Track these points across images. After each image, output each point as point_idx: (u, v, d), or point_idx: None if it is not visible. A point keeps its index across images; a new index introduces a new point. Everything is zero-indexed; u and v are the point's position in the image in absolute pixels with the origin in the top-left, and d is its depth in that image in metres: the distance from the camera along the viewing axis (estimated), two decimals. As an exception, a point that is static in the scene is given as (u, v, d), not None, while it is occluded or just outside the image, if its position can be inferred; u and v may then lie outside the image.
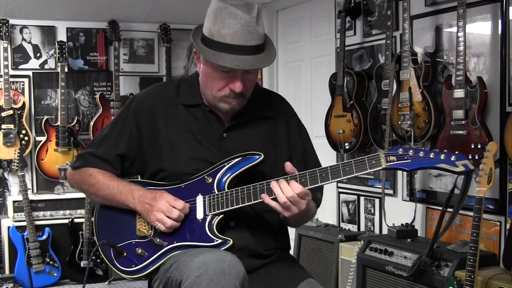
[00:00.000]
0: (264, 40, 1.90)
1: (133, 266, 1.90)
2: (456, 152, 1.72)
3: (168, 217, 1.85)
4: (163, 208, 1.85)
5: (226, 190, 1.87)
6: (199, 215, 1.88)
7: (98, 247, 1.94)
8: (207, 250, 1.80)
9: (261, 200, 1.81)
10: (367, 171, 1.74)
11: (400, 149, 1.73)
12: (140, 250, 1.89)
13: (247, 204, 1.83)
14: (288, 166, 1.82)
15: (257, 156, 1.87)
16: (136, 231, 1.93)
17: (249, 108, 2.01)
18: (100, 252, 1.98)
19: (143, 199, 1.90)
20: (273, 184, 1.78)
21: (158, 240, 1.88)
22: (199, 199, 1.89)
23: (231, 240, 1.83)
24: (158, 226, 1.86)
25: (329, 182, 1.78)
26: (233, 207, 1.84)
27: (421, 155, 1.71)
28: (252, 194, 1.83)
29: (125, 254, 1.92)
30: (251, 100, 2.01)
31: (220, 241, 1.83)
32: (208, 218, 1.87)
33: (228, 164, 1.89)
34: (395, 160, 1.72)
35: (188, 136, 1.96)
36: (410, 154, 1.72)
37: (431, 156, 1.70)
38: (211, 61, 1.85)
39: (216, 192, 1.87)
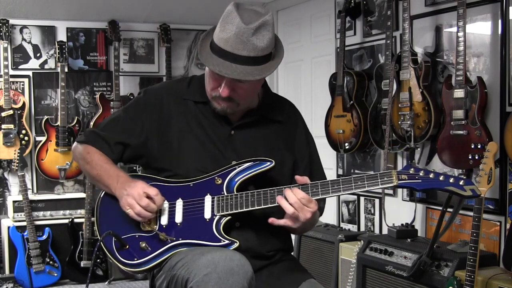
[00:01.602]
0: (265, 54, 1.86)
1: (135, 259, 1.89)
2: (465, 177, 1.79)
3: (137, 203, 1.85)
4: (134, 194, 1.86)
5: (236, 193, 1.88)
6: (207, 214, 1.89)
7: (104, 237, 1.92)
8: (215, 248, 1.80)
9: (270, 205, 1.84)
10: (378, 187, 1.80)
11: (412, 169, 1.81)
12: (144, 244, 1.89)
13: (256, 208, 1.85)
14: (299, 179, 1.85)
15: (268, 163, 1.90)
16: (140, 225, 1.93)
17: (259, 110, 2.03)
18: (101, 245, 1.95)
19: (123, 185, 1.91)
20: (279, 199, 1.82)
21: (163, 235, 1.88)
22: (208, 199, 1.90)
23: (237, 241, 1.84)
24: (127, 211, 1.86)
25: (340, 194, 1.83)
26: (242, 210, 1.86)
27: (431, 176, 1.79)
28: (262, 199, 1.85)
29: (127, 247, 1.91)
30: (262, 102, 2.05)
31: (227, 241, 1.84)
32: (216, 218, 1.88)
33: (239, 167, 1.91)
34: (407, 179, 1.79)
35: (196, 132, 1.98)
36: (421, 174, 1.79)
37: (441, 178, 1.78)
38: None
39: (226, 194, 1.89)
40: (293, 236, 4.08)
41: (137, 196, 1.86)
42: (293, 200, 1.79)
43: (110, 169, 1.97)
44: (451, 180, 1.77)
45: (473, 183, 1.78)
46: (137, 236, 1.92)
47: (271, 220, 1.84)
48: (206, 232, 1.87)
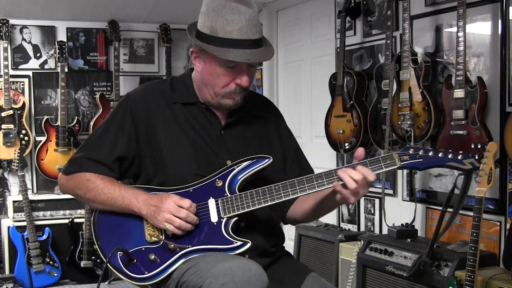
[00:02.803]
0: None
1: (145, 273, 1.83)
2: (460, 152, 1.82)
3: (176, 216, 1.80)
4: (170, 208, 1.80)
5: (239, 193, 1.85)
6: (213, 218, 1.85)
7: (113, 253, 1.85)
8: (230, 256, 1.77)
9: (277, 201, 1.82)
10: (382, 170, 1.79)
11: (411, 149, 1.82)
12: (153, 256, 1.83)
13: (263, 205, 1.83)
14: (360, 150, 1.81)
15: (267, 159, 1.88)
16: (145, 237, 1.87)
17: (242, 106, 2.00)
18: (108, 265, 1.88)
19: (148, 202, 1.84)
20: (341, 173, 1.77)
21: (172, 244, 1.82)
22: (211, 202, 1.86)
23: (249, 241, 1.81)
24: (166, 226, 1.81)
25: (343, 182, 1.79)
26: (249, 209, 1.83)
27: (430, 154, 1.81)
28: (268, 196, 1.82)
29: (135, 261, 1.85)
30: (245, 98, 2.01)
31: (239, 243, 1.81)
32: (224, 221, 1.84)
33: (237, 167, 1.88)
34: (408, 159, 1.80)
35: (189, 134, 1.94)
36: (421, 153, 1.81)
37: (440, 155, 1.81)
38: (220, 57, 1.84)
39: (229, 195, 1.86)
40: (292, 236, 4.10)
41: (173, 209, 1.80)
42: (359, 177, 1.74)
43: (121, 189, 1.89)
44: (450, 155, 1.80)
45: (471, 157, 1.82)
46: (143, 248, 1.86)
47: (335, 183, 1.78)
48: (216, 236, 1.83)
